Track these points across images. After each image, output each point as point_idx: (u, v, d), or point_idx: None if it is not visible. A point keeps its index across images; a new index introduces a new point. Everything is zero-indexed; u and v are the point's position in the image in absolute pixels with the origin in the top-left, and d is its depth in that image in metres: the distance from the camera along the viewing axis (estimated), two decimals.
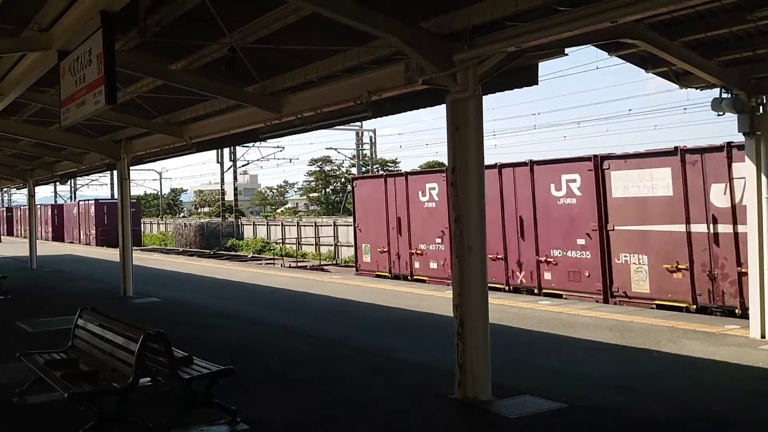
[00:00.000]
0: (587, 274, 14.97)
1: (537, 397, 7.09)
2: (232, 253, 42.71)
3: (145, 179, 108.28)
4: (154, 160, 19.88)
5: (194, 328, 11.70)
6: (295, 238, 41.21)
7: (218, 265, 25.59)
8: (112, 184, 66.00)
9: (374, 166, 53.77)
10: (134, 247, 40.59)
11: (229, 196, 58.67)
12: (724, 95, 9.50)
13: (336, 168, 79.54)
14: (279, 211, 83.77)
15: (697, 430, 6.32)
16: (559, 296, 15.19)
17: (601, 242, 14.59)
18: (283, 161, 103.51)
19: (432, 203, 18.89)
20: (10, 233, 66.04)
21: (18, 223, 65.16)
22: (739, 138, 9.91)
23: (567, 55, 7.73)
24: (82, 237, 48.61)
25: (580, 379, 7.93)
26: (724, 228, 12.66)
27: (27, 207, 60.55)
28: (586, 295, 14.78)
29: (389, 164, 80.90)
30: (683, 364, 8.45)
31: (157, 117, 13.83)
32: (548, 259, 15.84)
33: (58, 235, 53.99)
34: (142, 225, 58.54)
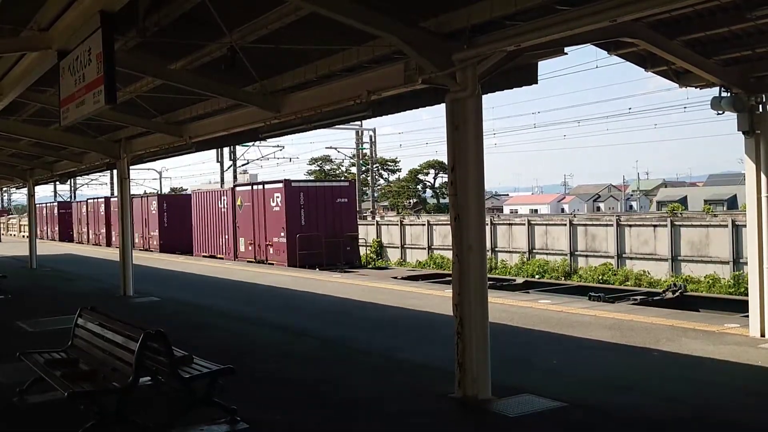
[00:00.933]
0: None
1: (537, 396, 7.09)
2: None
3: (144, 179, 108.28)
4: (154, 160, 19.90)
5: (194, 327, 11.70)
6: None
7: (219, 265, 25.56)
8: (111, 183, 65.34)
9: (374, 165, 53.76)
10: (348, 270, 23.83)
11: None
12: (724, 94, 9.49)
13: (336, 167, 79.64)
14: None
15: (697, 430, 6.32)
16: None
17: None
18: (283, 160, 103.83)
19: None
20: (66, 238, 46.91)
21: (81, 224, 44.99)
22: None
23: (566, 54, 7.77)
24: (270, 251, 26.82)
25: (580, 378, 7.93)
26: None
27: (96, 200, 41.93)
28: None
29: (389, 163, 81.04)
30: (683, 363, 8.44)
31: (156, 116, 13.83)
32: None
33: (177, 244, 32.71)
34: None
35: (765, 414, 6.74)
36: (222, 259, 28.71)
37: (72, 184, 73.89)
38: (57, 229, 48.27)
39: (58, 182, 38.80)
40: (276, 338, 10.81)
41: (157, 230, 34.44)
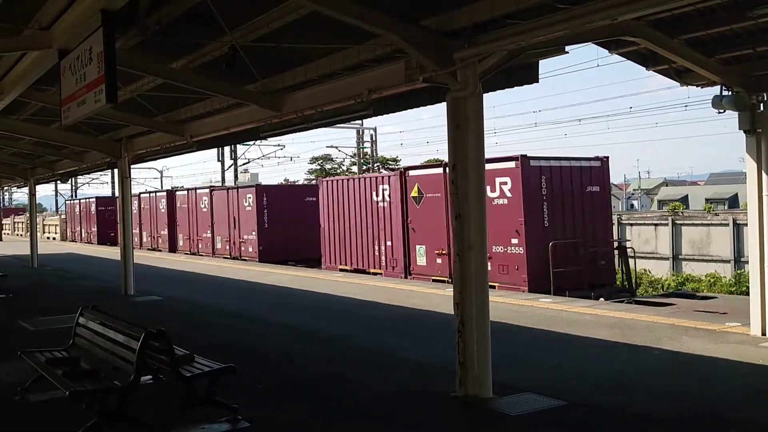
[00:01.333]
0: None
1: (538, 394, 7.10)
2: None
3: (146, 178, 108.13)
4: (155, 159, 19.92)
5: (195, 326, 11.71)
6: None
7: (221, 264, 25.55)
8: (112, 182, 65.03)
9: (375, 164, 53.76)
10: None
11: None
12: (725, 93, 9.50)
13: (337, 166, 79.63)
14: None
15: (698, 429, 6.32)
16: None
17: None
18: (284, 159, 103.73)
19: None
20: (107, 240, 37.63)
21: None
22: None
23: (568, 53, 7.77)
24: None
25: (580, 377, 7.94)
26: None
27: (153, 195, 33.33)
28: None
29: (390, 162, 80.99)
30: (684, 362, 8.44)
31: (157, 115, 13.83)
32: None
33: (285, 251, 24.93)
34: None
35: (766, 413, 6.74)
36: (379, 275, 20.03)
37: (73, 183, 73.84)
38: (95, 229, 39.19)
39: (59, 181, 38.54)
40: (278, 337, 10.81)
41: (254, 233, 25.43)
